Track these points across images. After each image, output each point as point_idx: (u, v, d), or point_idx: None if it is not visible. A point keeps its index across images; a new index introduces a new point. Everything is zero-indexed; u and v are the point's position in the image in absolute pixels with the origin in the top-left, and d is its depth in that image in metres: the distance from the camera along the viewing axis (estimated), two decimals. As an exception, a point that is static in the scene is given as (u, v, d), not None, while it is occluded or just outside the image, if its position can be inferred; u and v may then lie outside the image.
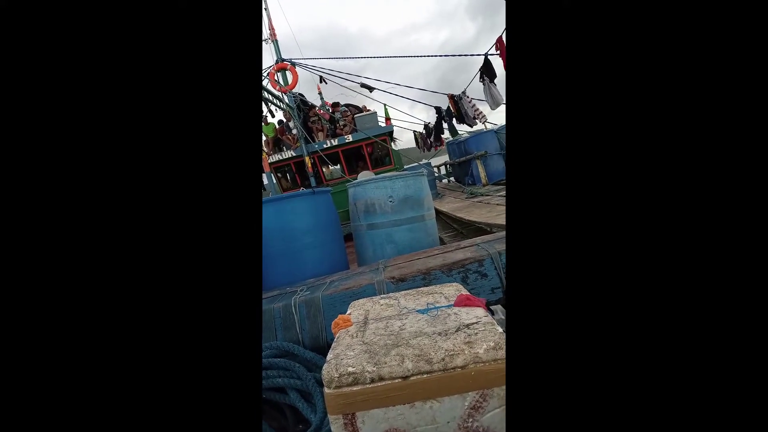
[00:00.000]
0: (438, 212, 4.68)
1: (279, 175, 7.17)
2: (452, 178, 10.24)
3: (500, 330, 0.78)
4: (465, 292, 1.14)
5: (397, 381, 0.72)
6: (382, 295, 1.26)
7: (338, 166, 6.94)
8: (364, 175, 5.99)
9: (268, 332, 1.50)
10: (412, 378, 0.73)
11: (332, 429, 0.73)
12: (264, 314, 1.52)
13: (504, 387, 0.72)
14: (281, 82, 6.68)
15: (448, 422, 0.72)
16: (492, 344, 0.74)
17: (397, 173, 2.28)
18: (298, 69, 6.74)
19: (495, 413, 0.72)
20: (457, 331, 0.82)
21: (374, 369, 0.73)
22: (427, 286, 1.50)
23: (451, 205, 5.15)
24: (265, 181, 6.51)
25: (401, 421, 0.72)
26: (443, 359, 0.73)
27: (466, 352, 0.73)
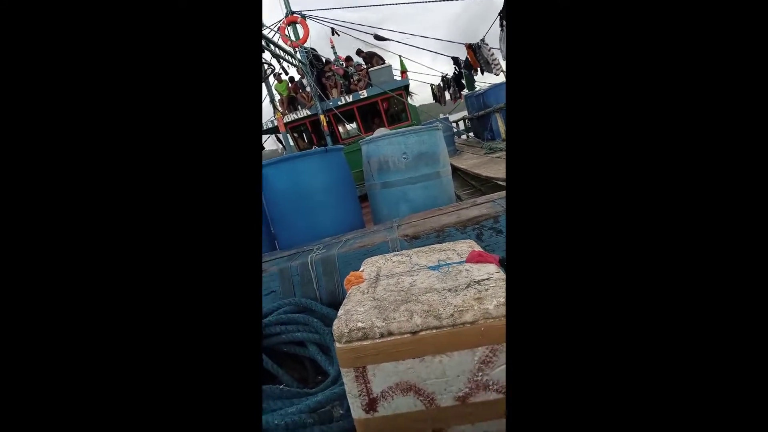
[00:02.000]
0: (455, 169, 4.58)
1: (296, 135, 7.11)
2: (471, 134, 9.88)
3: (512, 286, 0.76)
4: (478, 248, 1.12)
5: (406, 336, 0.73)
6: (394, 252, 1.26)
7: (354, 125, 6.80)
8: (380, 132, 5.85)
9: (286, 288, 1.54)
10: (421, 333, 0.73)
11: (345, 381, 0.76)
12: (282, 272, 1.56)
13: (514, 342, 0.72)
14: (292, 36, 6.42)
15: (458, 376, 0.73)
16: (502, 300, 0.72)
17: (411, 128, 2.19)
18: (309, 22, 6.43)
19: (505, 368, 0.72)
20: (467, 287, 0.81)
21: (383, 324, 0.74)
22: (440, 242, 1.49)
23: (470, 162, 5.01)
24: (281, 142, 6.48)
25: (411, 374, 0.74)
26: (452, 315, 0.72)
27: (475, 307, 0.73)
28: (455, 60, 6.46)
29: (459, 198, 3.81)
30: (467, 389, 0.74)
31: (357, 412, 0.76)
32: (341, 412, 0.94)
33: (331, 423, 0.91)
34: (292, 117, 6.62)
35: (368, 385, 0.75)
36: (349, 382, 0.75)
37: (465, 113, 9.70)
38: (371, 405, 0.75)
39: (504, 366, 0.72)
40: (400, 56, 7.47)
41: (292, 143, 6.88)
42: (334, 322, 0.78)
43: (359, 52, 7.05)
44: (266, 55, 5.72)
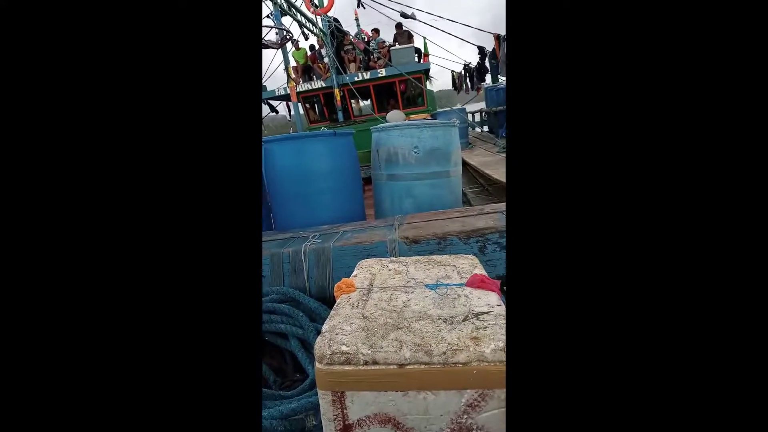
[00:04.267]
0: (465, 164, 4.47)
1: (307, 105, 6.93)
2: (486, 128, 9.66)
3: (513, 328, 0.71)
4: (480, 268, 1.05)
5: (391, 368, 0.68)
6: (391, 259, 1.20)
7: (368, 102, 6.62)
8: (393, 115, 5.69)
9: (275, 276, 1.49)
10: (408, 367, 0.67)
11: (320, 402, 0.71)
12: (273, 258, 1.50)
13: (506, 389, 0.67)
14: (316, 2, 6.15)
15: (441, 416, 0.68)
16: (501, 344, 0.67)
17: (426, 122, 2.10)
18: (335, -11, 6.15)
19: (492, 414, 0.67)
20: (464, 319, 0.75)
21: (369, 352, 0.68)
22: (441, 251, 1.43)
23: (480, 159, 4.90)
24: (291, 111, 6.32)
25: (392, 407, 0.69)
26: (444, 353, 0.67)
27: (471, 348, 0.67)
28: (481, 50, 6.22)
29: (465, 196, 3.73)
30: (449, 430, 0.69)
31: (329, 435, 0.72)
32: (314, 423, 0.90)
33: (302, 434, 0.87)
34: (306, 87, 6.44)
35: (345, 411, 0.70)
36: (325, 404, 0.70)
37: (482, 105, 9.44)
38: (345, 431, 0.71)
39: (491, 412, 0.67)
40: (424, 38, 7.22)
41: (302, 113, 6.73)
42: (317, 340, 0.72)
43: (399, 26, 6.78)
44: (286, 20, 5.50)
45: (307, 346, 1.24)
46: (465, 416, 0.68)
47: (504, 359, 0.66)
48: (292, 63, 6.99)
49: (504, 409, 0.67)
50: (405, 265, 1.10)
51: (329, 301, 1.39)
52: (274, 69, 7.10)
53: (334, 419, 0.71)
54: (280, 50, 6.05)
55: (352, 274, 1.07)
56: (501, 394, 0.67)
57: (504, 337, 0.68)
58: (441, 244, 1.42)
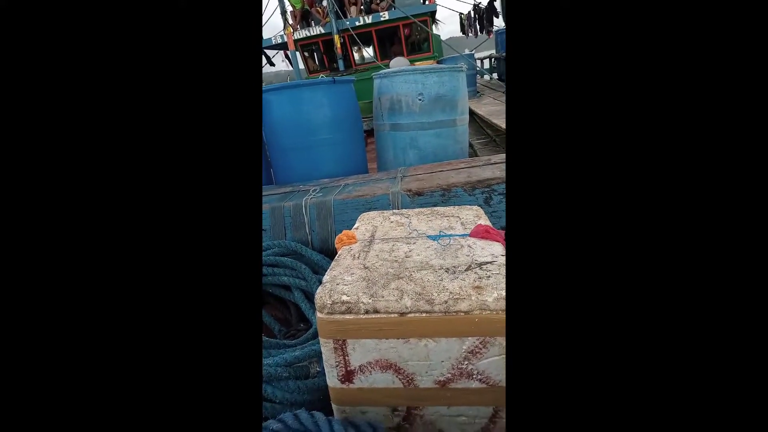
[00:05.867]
0: (472, 113, 4.30)
1: (306, 54, 6.58)
2: (495, 75, 9.18)
3: (516, 277, 0.69)
4: (485, 218, 1.03)
5: (392, 316, 0.67)
6: (393, 211, 1.17)
7: (370, 49, 6.26)
8: (397, 62, 5.39)
9: (277, 229, 1.48)
10: (409, 315, 0.67)
11: (322, 350, 0.72)
12: (274, 212, 1.48)
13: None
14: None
15: (442, 362, 0.69)
16: (503, 293, 0.65)
17: (432, 66, 1.97)
18: None
19: (493, 360, 0.68)
20: (467, 269, 0.74)
21: (370, 301, 0.67)
22: (445, 203, 1.39)
23: (488, 108, 4.70)
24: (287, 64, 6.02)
25: (393, 354, 0.69)
26: (446, 302, 0.66)
27: (473, 297, 0.66)
28: (492, -13, 5.73)
29: (471, 147, 3.62)
30: (449, 375, 0.70)
31: (332, 381, 0.73)
32: (318, 369, 0.92)
33: (306, 379, 0.90)
34: (303, 34, 6.07)
35: (347, 357, 0.71)
36: (327, 352, 0.71)
37: (493, 52, 8.91)
38: (347, 377, 0.72)
39: (492, 359, 0.68)
40: (430, -25, 6.64)
41: (301, 63, 6.41)
42: (318, 290, 0.71)
43: None
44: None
45: (311, 297, 1.26)
46: (466, 362, 0.68)
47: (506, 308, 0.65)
48: (288, 8, 6.54)
49: (503, 356, 0.67)
50: (407, 217, 1.07)
51: (332, 254, 1.39)
52: (270, 15, 6.67)
53: (337, 366, 0.72)
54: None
55: (354, 227, 1.05)
56: (502, 341, 0.66)
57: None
58: (445, 196, 1.38)
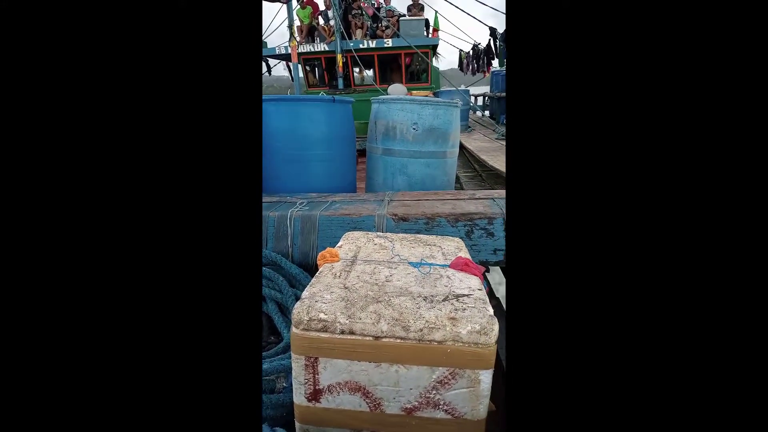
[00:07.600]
0: (462, 147, 4.43)
1: (307, 68, 6.69)
2: (487, 112, 9.54)
3: (490, 312, 0.71)
4: (465, 251, 1.06)
5: (367, 339, 0.68)
6: (378, 233, 1.19)
7: (370, 72, 6.42)
8: (395, 89, 5.54)
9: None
10: (384, 339, 0.68)
11: (293, 366, 0.71)
12: (258, 220, 1.48)
13: (476, 370, 0.68)
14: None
15: (411, 389, 0.69)
16: (477, 327, 0.67)
17: (429, 98, 2.04)
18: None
19: (460, 392, 0.69)
20: (444, 299, 0.76)
21: (347, 321, 0.68)
22: (428, 231, 1.42)
23: (478, 144, 4.86)
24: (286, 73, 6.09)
25: (363, 377, 0.70)
26: (421, 329, 0.67)
27: (447, 328, 0.67)
28: (492, 31, 6.05)
29: (458, 179, 3.72)
30: (416, 403, 0.71)
31: (299, 398, 0.73)
32: (284, 385, 0.91)
33: (272, 394, 0.88)
34: (308, 48, 6.19)
35: (317, 376, 0.71)
36: (298, 368, 0.71)
37: (487, 90, 9.28)
38: (315, 395, 0.72)
39: (459, 390, 0.69)
40: (436, 12, 6.96)
41: (302, 76, 6.50)
42: (296, 305, 0.72)
43: (410, 8, 6.53)
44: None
45: (285, 311, 1.24)
46: (434, 392, 0.69)
47: (478, 342, 0.67)
48: (296, 23, 6.68)
49: (472, 389, 0.69)
50: (391, 241, 1.09)
51: (311, 269, 1.38)
52: (277, 26, 6.80)
53: (305, 383, 0.71)
54: (284, 6, 5.78)
55: (338, 245, 1.06)
56: (471, 374, 0.68)
57: (482, 320, 0.68)
58: (429, 224, 1.41)
